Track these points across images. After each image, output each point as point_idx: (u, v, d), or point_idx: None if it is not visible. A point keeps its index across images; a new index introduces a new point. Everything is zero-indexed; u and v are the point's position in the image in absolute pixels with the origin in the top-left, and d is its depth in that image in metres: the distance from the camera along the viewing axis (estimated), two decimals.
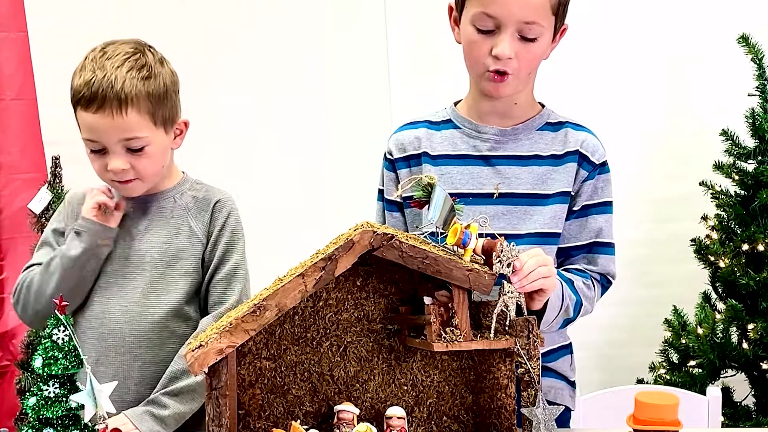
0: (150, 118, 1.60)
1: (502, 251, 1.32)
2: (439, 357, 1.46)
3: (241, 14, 3.03)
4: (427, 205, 1.37)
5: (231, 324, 1.22)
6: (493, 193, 1.62)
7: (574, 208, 1.66)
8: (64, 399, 1.24)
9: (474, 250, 1.35)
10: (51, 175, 2.80)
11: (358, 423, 1.34)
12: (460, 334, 1.32)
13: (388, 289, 1.44)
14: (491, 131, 1.67)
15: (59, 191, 2.76)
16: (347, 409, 1.36)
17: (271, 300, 1.24)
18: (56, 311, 1.23)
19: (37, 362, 1.23)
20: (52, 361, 1.22)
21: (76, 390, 1.24)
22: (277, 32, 3.02)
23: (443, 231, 1.36)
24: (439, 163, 1.68)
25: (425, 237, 1.43)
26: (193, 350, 1.22)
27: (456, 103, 1.75)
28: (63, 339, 1.23)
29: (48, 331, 1.23)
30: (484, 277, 1.32)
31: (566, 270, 1.65)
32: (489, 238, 1.36)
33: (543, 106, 1.72)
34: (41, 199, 2.77)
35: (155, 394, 1.60)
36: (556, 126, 1.68)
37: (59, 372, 1.22)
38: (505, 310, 1.34)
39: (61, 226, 1.72)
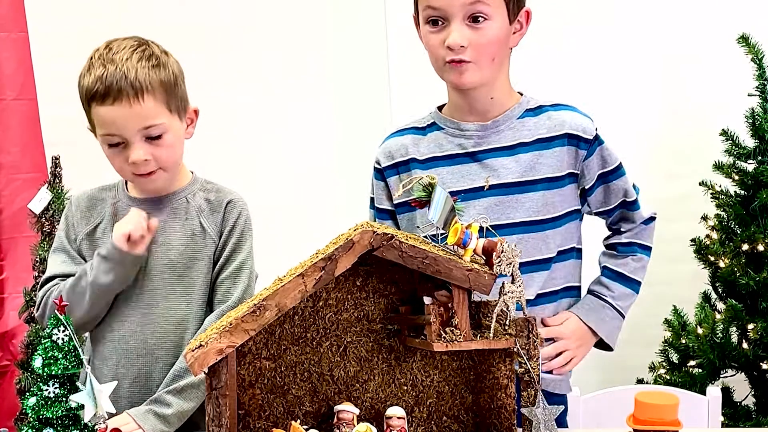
0: (165, 105, 1.62)
1: (502, 251, 1.32)
2: (439, 357, 1.46)
3: (240, 14, 3.02)
4: (427, 205, 1.37)
5: (231, 324, 1.22)
6: (483, 187, 1.64)
7: (589, 185, 1.70)
8: (64, 399, 1.24)
9: (474, 250, 1.35)
10: (51, 175, 2.80)
11: (358, 423, 1.34)
12: (460, 334, 1.32)
13: (388, 289, 1.44)
14: (473, 128, 1.70)
15: (59, 191, 2.76)
16: (347, 409, 1.36)
17: (271, 300, 1.24)
18: (56, 311, 1.23)
19: (37, 362, 1.23)
20: (52, 361, 1.22)
21: (76, 390, 1.24)
22: (277, 32, 3.02)
23: (444, 231, 1.36)
24: (429, 165, 1.70)
25: (425, 237, 1.43)
26: (193, 350, 1.22)
27: (441, 108, 1.77)
28: (63, 339, 1.23)
29: (48, 331, 1.23)
30: (484, 277, 1.32)
31: (612, 255, 1.75)
32: (489, 238, 1.36)
33: (521, 94, 1.73)
34: (41, 199, 2.77)
35: (159, 393, 1.60)
36: (536, 111, 1.70)
37: (59, 372, 1.23)
38: (505, 310, 1.34)
39: (72, 231, 1.72)
